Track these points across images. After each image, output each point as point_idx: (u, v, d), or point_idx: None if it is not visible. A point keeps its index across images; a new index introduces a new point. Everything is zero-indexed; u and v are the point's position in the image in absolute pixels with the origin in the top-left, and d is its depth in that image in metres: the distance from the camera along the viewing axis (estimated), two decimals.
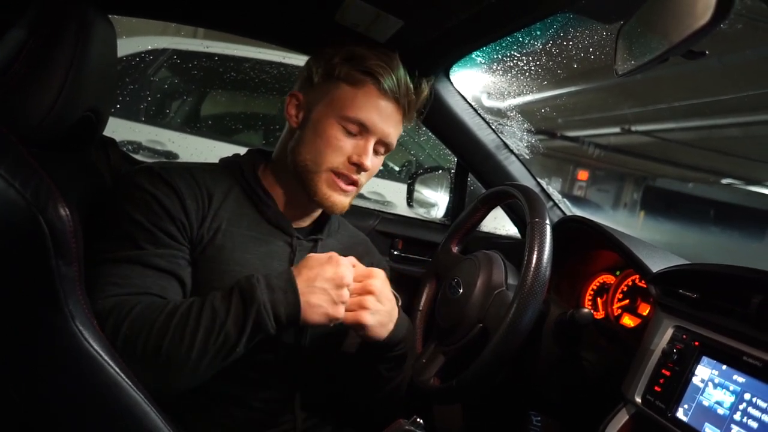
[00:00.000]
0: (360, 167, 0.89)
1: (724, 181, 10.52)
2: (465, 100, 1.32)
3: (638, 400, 0.81)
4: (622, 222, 10.98)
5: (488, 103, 1.69)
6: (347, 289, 0.79)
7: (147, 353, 0.69)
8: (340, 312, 0.78)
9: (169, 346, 0.69)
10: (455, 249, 1.17)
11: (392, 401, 1.01)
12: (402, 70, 0.92)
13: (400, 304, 0.91)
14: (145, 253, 0.77)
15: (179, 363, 0.70)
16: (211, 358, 0.72)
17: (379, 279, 0.84)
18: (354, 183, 0.92)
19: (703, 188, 10.75)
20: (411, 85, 0.93)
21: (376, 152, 0.93)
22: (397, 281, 1.28)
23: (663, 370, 0.80)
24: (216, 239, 0.85)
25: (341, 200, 0.92)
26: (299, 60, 0.97)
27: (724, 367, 0.73)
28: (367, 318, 0.80)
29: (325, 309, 0.77)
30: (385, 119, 0.90)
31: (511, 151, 1.38)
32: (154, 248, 0.79)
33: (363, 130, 0.90)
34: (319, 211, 1.01)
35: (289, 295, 0.75)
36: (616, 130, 9.01)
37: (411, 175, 1.81)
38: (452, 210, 1.60)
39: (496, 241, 1.49)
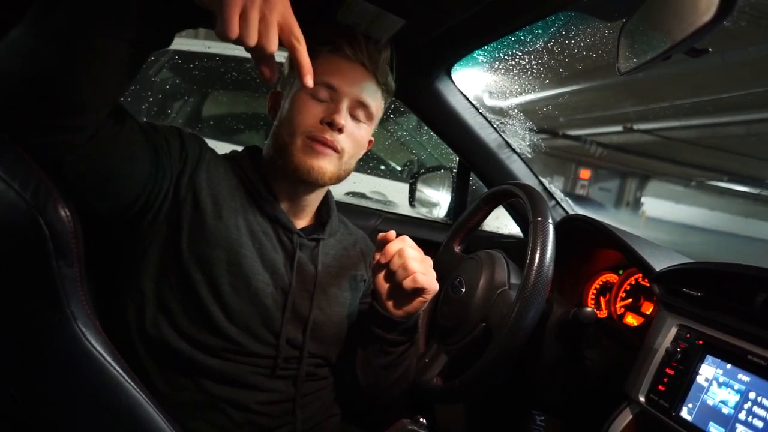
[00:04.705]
0: (332, 125, 0.88)
1: (726, 184, 10.49)
2: (467, 99, 1.31)
3: (642, 399, 0.81)
4: (625, 220, 10.96)
5: (490, 102, 1.68)
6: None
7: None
8: None
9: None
10: (457, 248, 1.17)
11: (396, 397, 1.01)
12: (360, 35, 0.93)
13: None
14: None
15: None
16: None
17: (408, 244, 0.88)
18: (331, 146, 0.89)
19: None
20: (373, 48, 0.93)
21: (355, 118, 0.93)
22: None
23: (667, 369, 0.80)
24: (208, 200, 0.85)
25: (318, 164, 0.89)
26: None
27: (729, 366, 0.72)
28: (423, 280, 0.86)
29: None
30: (352, 81, 0.90)
31: (513, 150, 1.37)
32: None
33: (332, 93, 0.90)
34: (316, 208, 1.00)
35: None
36: (619, 128, 9.00)
37: (413, 175, 1.81)
38: (454, 209, 1.60)
39: (498, 240, 1.48)
